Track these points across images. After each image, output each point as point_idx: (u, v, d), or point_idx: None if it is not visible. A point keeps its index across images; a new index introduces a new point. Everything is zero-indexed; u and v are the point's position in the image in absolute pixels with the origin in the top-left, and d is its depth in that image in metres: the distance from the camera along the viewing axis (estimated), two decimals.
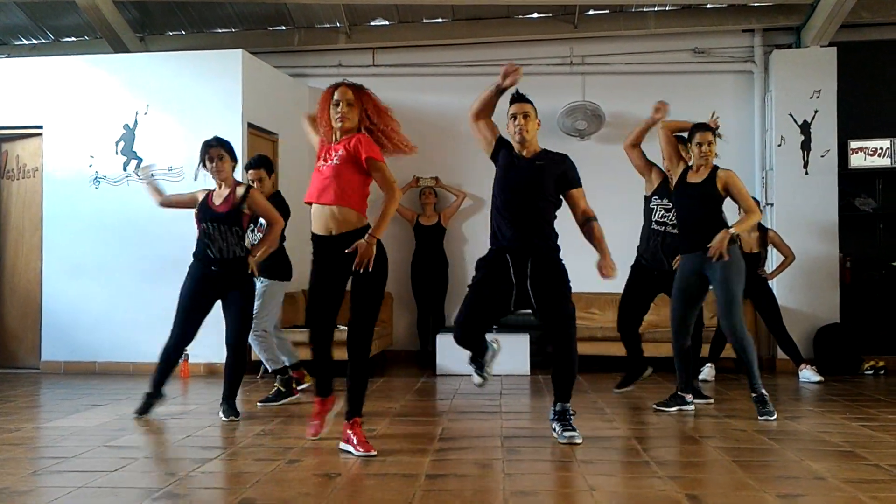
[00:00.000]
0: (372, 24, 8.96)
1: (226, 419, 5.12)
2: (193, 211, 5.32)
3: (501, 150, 4.78)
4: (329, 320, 4.35)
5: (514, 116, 4.72)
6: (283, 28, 9.07)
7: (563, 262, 4.74)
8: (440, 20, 8.89)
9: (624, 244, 8.59)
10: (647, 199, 6.28)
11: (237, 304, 5.25)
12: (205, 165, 5.28)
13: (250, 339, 5.76)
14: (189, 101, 7.85)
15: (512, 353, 7.73)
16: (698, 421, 5.13)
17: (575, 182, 4.81)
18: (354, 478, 3.62)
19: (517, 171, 4.66)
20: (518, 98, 4.78)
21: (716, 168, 5.41)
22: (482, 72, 8.84)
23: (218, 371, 7.56)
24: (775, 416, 5.08)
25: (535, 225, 4.63)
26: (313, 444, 4.38)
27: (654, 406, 5.59)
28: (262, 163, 6.13)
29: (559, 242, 4.79)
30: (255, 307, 5.60)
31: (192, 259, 5.31)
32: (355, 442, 4.11)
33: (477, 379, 4.86)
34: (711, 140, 5.41)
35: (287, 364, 6.12)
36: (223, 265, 5.19)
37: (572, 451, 4.21)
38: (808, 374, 7.12)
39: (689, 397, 5.49)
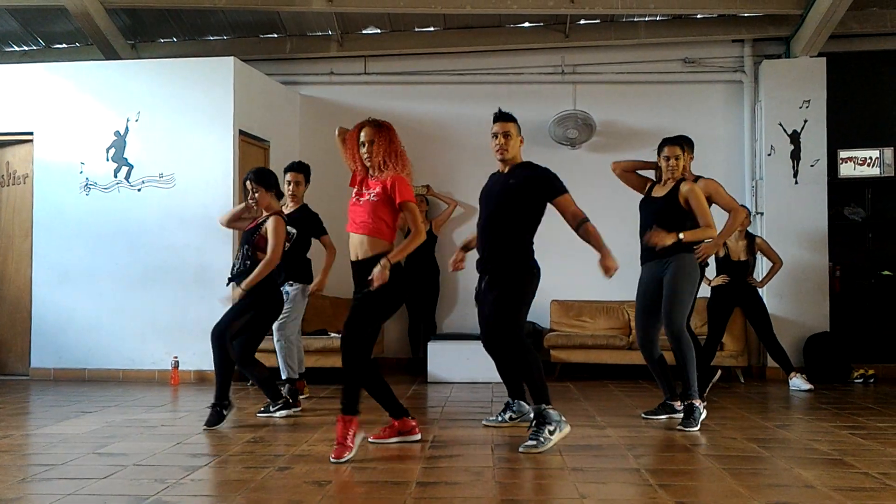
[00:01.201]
0: (363, 32, 8.98)
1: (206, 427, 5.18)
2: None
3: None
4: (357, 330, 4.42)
5: (494, 135, 4.86)
6: (275, 36, 9.07)
7: (537, 279, 4.97)
8: (432, 29, 8.91)
9: (616, 250, 8.63)
10: None
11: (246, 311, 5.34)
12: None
13: (274, 343, 6.20)
14: (180, 108, 7.85)
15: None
16: (689, 430, 5.13)
17: (558, 190, 4.87)
18: (345, 485, 3.61)
19: (490, 189, 4.92)
20: (500, 117, 4.89)
21: (680, 181, 5.42)
22: (473, 80, 8.88)
23: (209, 378, 7.56)
24: (696, 429, 5.04)
25: (499, 241, 4.80)
26: (304, 452, 4.37)
27: (643, 414, 5.60)
28: (304, 168, 6.42)
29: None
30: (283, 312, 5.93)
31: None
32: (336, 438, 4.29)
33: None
34: (679, 154, 5.43)
35: (295, 375, 6.26)
36: (232, 279, 5.44)
37: (563, 458, 4.21)
38: (798, 382, 7.15)
39: (677, 404, 5.49)
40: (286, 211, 6.20)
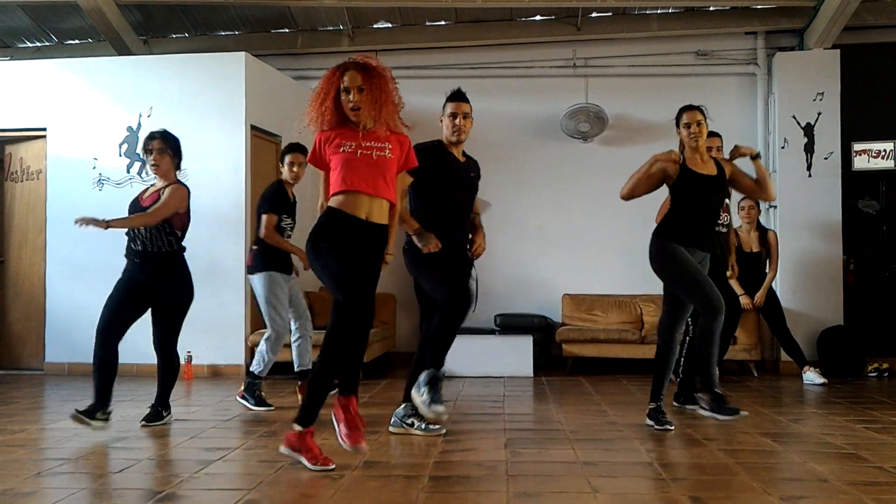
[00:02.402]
0: (375, 26, 8.98)
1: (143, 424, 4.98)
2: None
3: (427, 156, 4.55)
4: (372, 298, 3.93)
5: (454, 115, 4.68)
6: (287, 31, 9.08)
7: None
8: (443, 23, 8.90)
9: (628, 244, 8.65)
10: None
11: (167, 307, 4.97)
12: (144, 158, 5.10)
13: (292, 340, 6.03)
14: (192, 103, 7.86)
15: (515, 355, 7.75)
16: (702, 423, 5.12)
17: None
18: (358, 479, 3.62)
19: (460, 177, 4.72)
20: (458, 96, 4.72)
21: (717, 162, 5.08)
22: (485, 74, 8.87)
23: (222, 372, 7.60)
24: (665, 429, 4.87)
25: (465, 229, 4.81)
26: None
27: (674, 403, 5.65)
28: (304, 149, 5.87)
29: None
30: (267, 306, 5.75)
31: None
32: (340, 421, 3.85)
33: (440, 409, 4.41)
34: (701, 119, 4.95)
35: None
36: (146, 258, 4.88)
37: (575, 452, 4.20)
38: (811, 376, 7.12)
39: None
40: (290, 195, 6.01)
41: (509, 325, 8.38)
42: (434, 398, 4.33)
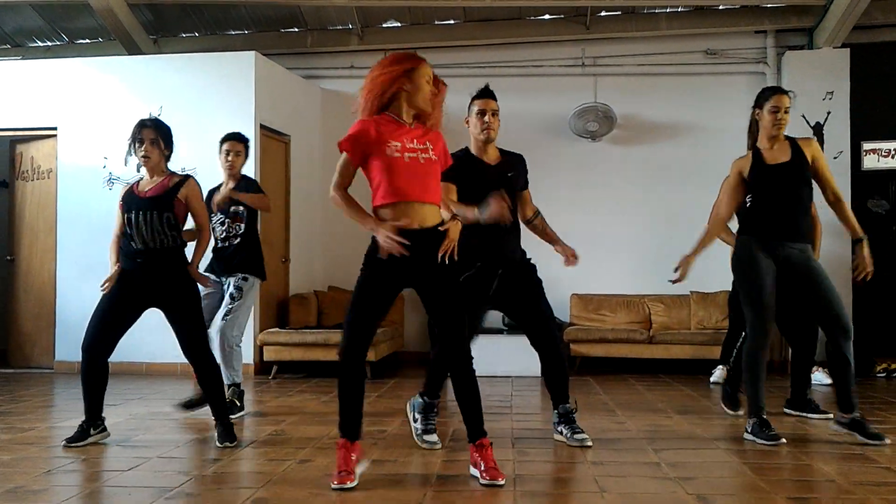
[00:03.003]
0: (384, 25, 8.99)
1: (220, 445, 4.42)
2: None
3: (456, 167, 4.12)
4: (372, 337, 3.73)
5: (482, 113, 4.43)
6: (296, 30, 9.10)
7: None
8: (452, 22, 8.91)
9: (636, 244, 8.65)
10: None
11: (182, 307, 4.53)
12: (133, 151, 4.64)
13: (215, 342, 5.21)
14: (202, 102, 7.89)
15: (523, 354, 7.72)
16: (709, 423, 5.12)
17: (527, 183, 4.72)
18: (366, 478, 3.63)
19: (491, 185, 4.23)
20: (485, 93, 4.50)
21: (792, 140, 4.61)
22: (494, 73, 8.86)
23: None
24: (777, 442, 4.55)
25: (518, 236, 4.58)
26: (325, 445, 4.40)
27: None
28: (244, 138, 5.57)
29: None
30: (229, 305, 5.26)
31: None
32: (483, 467, 3.56)
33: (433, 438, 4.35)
34: (788, 107, 4.54)
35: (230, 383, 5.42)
36: (149, 256, 4.46)
37: (583, 452, 4.21)
38: (819, 376, 7.09)
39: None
40: (224, 188, 5.46)
41: (514, 324, 8.37)
42: (427, 427, 4.37)
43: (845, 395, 4.50)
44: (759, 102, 4.62)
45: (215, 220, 5.41)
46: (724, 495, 3.43)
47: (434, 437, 4.35)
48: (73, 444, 4.38)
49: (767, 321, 4.51)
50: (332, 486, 3.44)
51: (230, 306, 5.29)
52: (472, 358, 3.66)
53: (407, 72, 3.73)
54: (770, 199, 4.53)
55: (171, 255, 4.52)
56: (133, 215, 4.48)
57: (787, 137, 4.59)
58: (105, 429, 4.57)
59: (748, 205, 4.68)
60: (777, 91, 4.60)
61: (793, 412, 5.40)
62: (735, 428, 4.94)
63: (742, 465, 3.92)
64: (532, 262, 4.57)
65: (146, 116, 4.85)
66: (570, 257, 4.60)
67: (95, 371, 4.51)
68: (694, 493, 3.37)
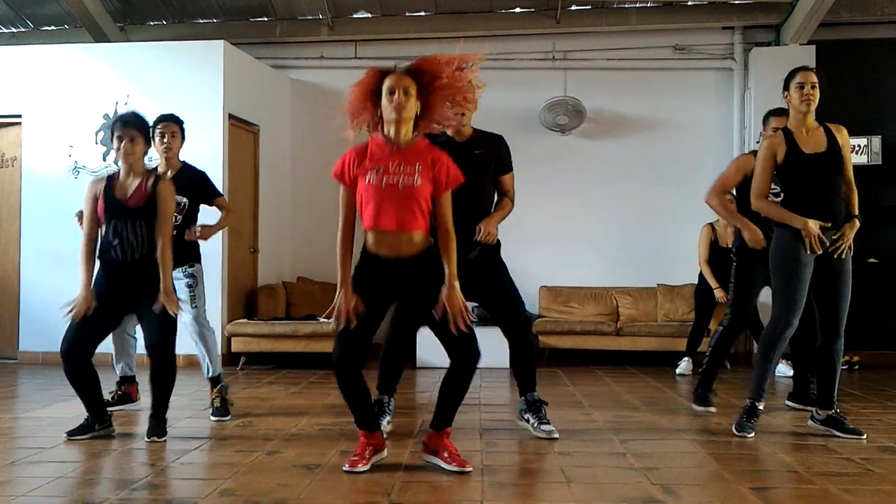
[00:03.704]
0: (354, 16, 8.95)
1: (148, 440, 4.29)
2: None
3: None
4: (366, 346, 3.64)
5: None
6: (265, 19, 9.03)
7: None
8: (423, 14, 8.89)
9: (604, 237, 8.71)
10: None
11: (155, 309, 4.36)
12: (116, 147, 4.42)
13: (195, 334, 5.18)
14: (170, 91, 7.80)
15: (492, 346, 7.73)
16: (675, 415, 5.18)
17: (509, 165, 4.66)
18: (333, 469, 3.63)
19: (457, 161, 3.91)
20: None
21: (826, 128, 4.53)
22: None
23: (197, 362, 7.57)
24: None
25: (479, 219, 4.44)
26: (293, 435, 4.40)
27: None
28: (178, 120, 5.22)
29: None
30: (191, 294, 5.10)
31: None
32: (447, 454, 3.63)
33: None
34: (815, 82, 4.45)
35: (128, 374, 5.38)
36: (134, 267, 4.34)
37: (550, 443, 4.24)
38: (783, 368, 7.20)
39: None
40: (162, 173, 5.01)
41: (487, 316, 8.38)
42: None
43: (828, 392, 4.52)
44: (785, 85, 4.55)
45: None
46: (688, 485, 3.48)
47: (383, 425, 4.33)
48: (74, 437, 4.29)
49: (795, 315, 4.43)
50: (344, 468, 3.51)
51: (192, 294, 5.14)
52: (478, 354, 3.67)
53: (371, 92, 3.63)
54: (809, 190, 4.41)
55: (152, 263, 4.38)
56: (120, 225, 4.33)
57: (820, 123, 4.51)
58: (111, 425, 4.45)
59: (781, 197, 4.57)
60: (802, 68, 4.53)
61: (795, 405, 5.42)
62: (700, 419, 5.01)
63: (706, 456, 3.97)
64: (499, 241, 4.53)
65: (122, 110, 4.69)
66: (483, 232, 4.40)
67: (80, 373, 4.30)
68: (659, 483, 3.41)
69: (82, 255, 4.39)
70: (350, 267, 3.62)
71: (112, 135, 4.44)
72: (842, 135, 4.51)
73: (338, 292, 3.53)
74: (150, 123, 4.71)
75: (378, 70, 3.66)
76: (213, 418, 4.95)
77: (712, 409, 5.20)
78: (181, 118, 5.25)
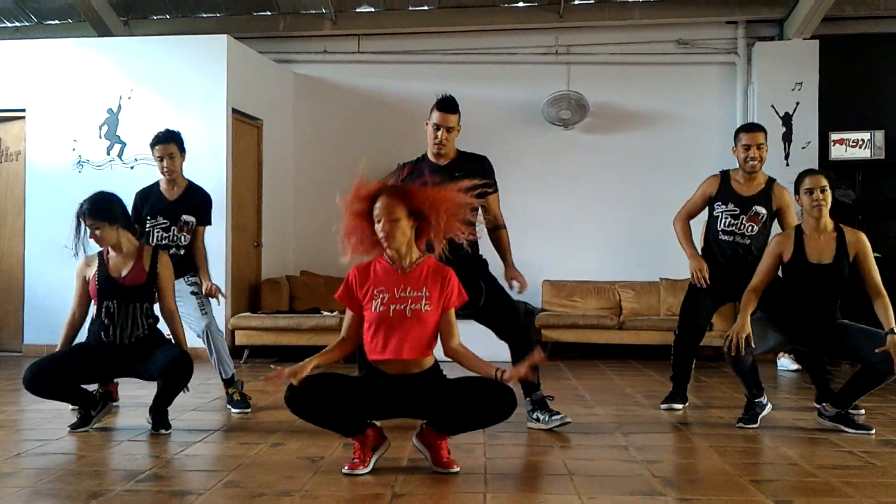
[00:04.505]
0: (357, 10, 8.95)
1: (154, 432, 4.33)
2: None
3: (411, 168, 4.41)
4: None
5: (436, 127, 4.34)
6: (269, 13, 9.04)
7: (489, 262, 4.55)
8: (426, 8, 8.89)
9: (607, 231, 8.72)
10: (709, 206, 5.19)
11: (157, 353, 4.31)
12: (79, 233, 4.34)
13: (209, 342, 5.06)
14: (173, 85, 7.83)
15: (495, 340, 7.77)
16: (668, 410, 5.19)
17: (496, 187, 4.58)
18: (337, 461, 3.65)
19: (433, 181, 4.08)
20: (444, 106, 4.34)
21: (841, 230, 4.46)
22: (467, 60, 8.88)
23: (202, 355, 7.60)
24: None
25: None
26: (297, 428, 4.41)
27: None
28: (174, 137, 5.13)
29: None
30: (198, 302, 5.06)
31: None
32: (438, 453, 3.57)
33: None
34: (826, 185, 4.36)
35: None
36: (118, 351, 4.32)
37: (552, 436, 4.26)
38: (785, 362, 7.22)
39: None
40: (168, 193, 5.14)
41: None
42: None
43: (853, 396, 4.47)
44: (795, 188, 4.49)
45: (152, 223, 5.09)
46: (689, 478, 3.50)
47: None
48: (77, 430, 4.29)
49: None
50: (343, 471, 3.45)
51: (200, 301, 5.11)
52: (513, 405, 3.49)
53: (363, 213, 3.46)
54: (804, 296, 4.47)
55: (146, 341, 4.36)
56: (113, 306, 4.29)
57: (836, 226, 4.45)
58: (106, 402, 4.44)
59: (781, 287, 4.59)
60: (810, 172, 4.48)
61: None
62: (700, 413, 5.02)
63: (708, 449, 3.99)
64: (483, 257, 4.51)
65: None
66: (519, 285, 4.52)
67: (49, 392, 4.24)
68: (660, 476, 3.43)
69: (64, 331, 4.39)
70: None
71: (81, 225, 4.34)
72: (858, 242, 4.43)
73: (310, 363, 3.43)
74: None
75: (364, 192, 3.45)
76: (235, 411, 4.97)
77: (676, 407, 5.13)
78: (176, 132, 5.18)
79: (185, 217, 5.08)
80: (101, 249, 4.39)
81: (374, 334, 3.47)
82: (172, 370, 4.24)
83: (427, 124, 4.41)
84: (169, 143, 5.07)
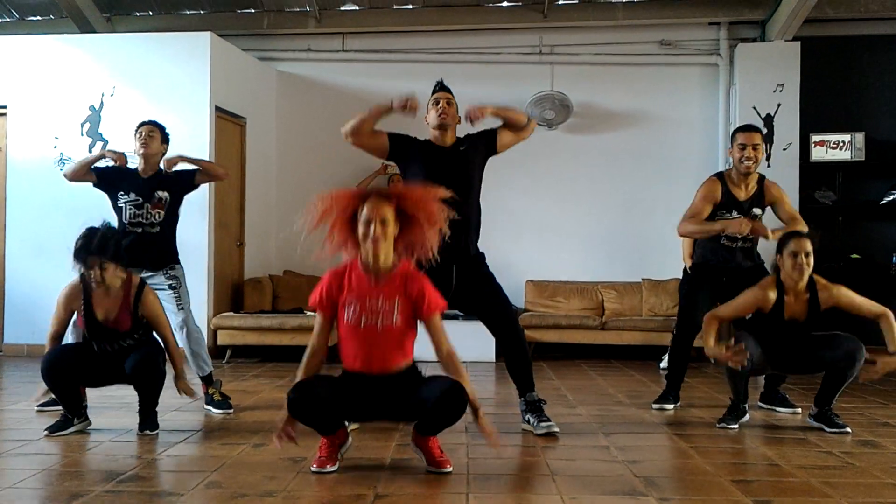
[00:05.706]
0: (342, 8, 8.94)
1: (140, 433, 4.31)
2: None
3: (407, 145, 4.46)
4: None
5: (437, 101, 4.50)
6: (252, 11, 9.01)
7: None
8: (410, 6, 8.88)
9: (590, 232, 8.75)
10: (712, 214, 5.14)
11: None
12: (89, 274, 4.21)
13: (184, 339, 5.04)
14: (156, 83, 7.79)
15: (478, 340, 7.77)
16: (661, 411, 5.21)
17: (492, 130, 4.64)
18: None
19: (441, 163, 4.34)
20: (442, 87, 4.61)
21: (815, 289, 4.52)
22: (451, 59, 8.87)
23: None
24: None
25: (476, 223, 4.51)
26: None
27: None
28: (161, 126, 5.22)
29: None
30: (175, 296, 5.04)
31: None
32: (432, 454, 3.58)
33: None
34: (810, 250, 4.42)
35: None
36: (112, 356, 4.35)
37: (535, 436, 4.27)
38: None
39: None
40: (143, 172, 5.09)
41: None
42: None
43: (833, 393, 4.53)
44: (778, 248, 4.53)
45: (125, 199, 5.03)
46: (671, 478, 3.52)
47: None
48: (55, 433, 4.24)
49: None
50: (312, 468, 3.48)
51: (176, 295, 5.06)
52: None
53: (347, 219, 3.52)
54: (776, 344, 4.56)
55: (138, 341, 4.38)
56: (106, 345, 4.31)
57: (810, 285, 4.47)
58: (87, 418, 4.39)
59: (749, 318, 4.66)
60: (795, 235, 4.52)
61: (763, 405, 5.44)
62: (681, 413, 5.05)
63: (689, 449, 4.01)
64: (482, 253, 4.54)
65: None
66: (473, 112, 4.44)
67: (60, 376, 4.26)
68: (642, 476, 3.44)
69: (49, 346, 4.36)
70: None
71: (85, 267, 4.24)
72: (832, 297, 4.48)
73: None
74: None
75: (355, 194, 3.52)
76: (216, 412, 4.94)
77: (667, 407, 5.19)
78: (164, 125, 5.28)
79: (158, 193, 5.03)
80: (80, 289, 4.30)
81: (347, 343, 3.55)
82: (139, 370, 4.26)
83: (427, 113, 4.54)
84: (154, 126, 5.16)
